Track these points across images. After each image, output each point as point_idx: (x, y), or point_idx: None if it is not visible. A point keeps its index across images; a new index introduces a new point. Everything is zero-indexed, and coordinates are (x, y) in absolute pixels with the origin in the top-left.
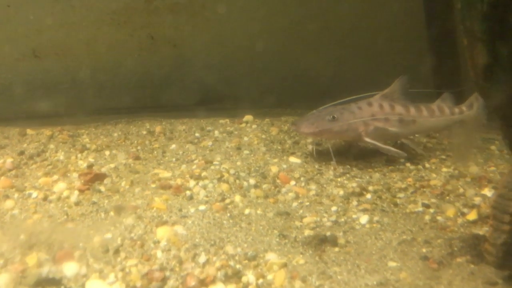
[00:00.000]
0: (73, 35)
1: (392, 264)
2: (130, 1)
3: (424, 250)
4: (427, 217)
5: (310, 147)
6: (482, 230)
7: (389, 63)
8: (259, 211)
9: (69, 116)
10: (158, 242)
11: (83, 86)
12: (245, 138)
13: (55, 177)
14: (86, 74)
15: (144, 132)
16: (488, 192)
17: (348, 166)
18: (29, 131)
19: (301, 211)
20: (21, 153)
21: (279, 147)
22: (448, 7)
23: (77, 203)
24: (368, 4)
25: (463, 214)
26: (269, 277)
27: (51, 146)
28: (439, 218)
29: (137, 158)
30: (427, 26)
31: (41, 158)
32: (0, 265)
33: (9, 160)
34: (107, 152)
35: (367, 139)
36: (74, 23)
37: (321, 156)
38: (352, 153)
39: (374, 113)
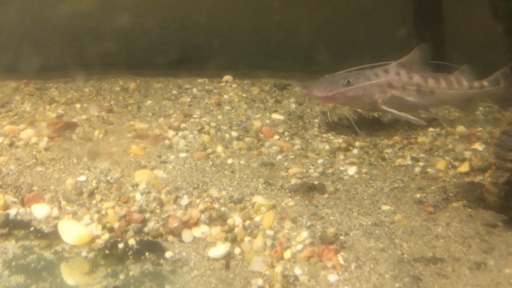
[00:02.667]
0: None
1: (385, 207)
2: None
3: (418, 195)
4: (417, 169)
5: (293, 105)
6: (477, 179)
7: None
8: (242, 162)
9: (40, 69)
10: (137, 185)
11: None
12: (225, 96)
13: (22, 126)
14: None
15: (118, 89)
16: (479, 146)
17: (334, 124)
18: None
19: (286, 163)
20: None
21: (261, 105)
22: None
23: (46, 149)
24: None
25: (454, 167)
26: (257, 218)
27: (17, 97)
28: (429, 170)
29: (110, 111)
30: (414, 13)
31: (6, 109)
32: None
33: None
34: (77, 105)
35: (384, 107)
36: None
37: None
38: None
39: (391, 81)
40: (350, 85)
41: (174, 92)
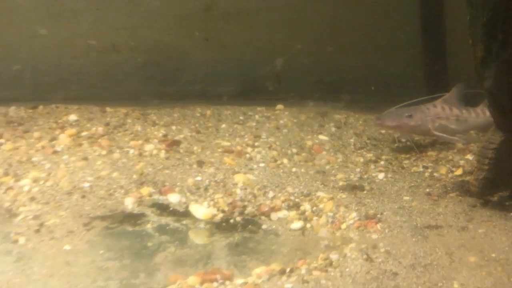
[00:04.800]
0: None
1: (406, 198)
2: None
3: (427, 190)
4: (426, 174)
5: (333, 129)
6: (466, 179)
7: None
8: (302, 170)
9: (137, 100)
10: (236, 184)
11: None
12: (281, 121)
13: (141, 141)
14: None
15: (198, 115)
16: (469, 156)
17: (364, 143)
18: (108, 109)
19: (333, 171)
20: (107, 124)
21: (309, 129)
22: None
23: (166, 158)
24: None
25: (452, 171)
26: (321, 206)
27: (129, 120)
28: (435, 174)
29: (198, 132)
30: (422, 33)
31: (123, 129)
32: (123, 193)
33: (100, 128)
34: (173, 127)
35: (435, 132)
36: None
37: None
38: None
39: (438, 113)
40: (411, 117)
41: (241, 117)
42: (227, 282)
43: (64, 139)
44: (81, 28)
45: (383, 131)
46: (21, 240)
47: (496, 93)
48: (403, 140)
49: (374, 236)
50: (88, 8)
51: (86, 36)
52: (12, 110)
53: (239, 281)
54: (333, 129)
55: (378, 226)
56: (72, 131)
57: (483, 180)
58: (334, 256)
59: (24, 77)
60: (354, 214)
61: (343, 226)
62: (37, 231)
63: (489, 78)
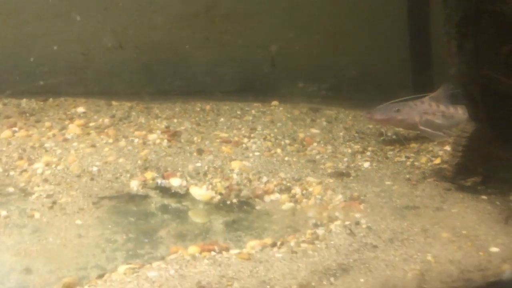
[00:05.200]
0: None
1: (387, 183)
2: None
3: (407, 176)
4: (408, 163)
5: (324, 123)
6: (443, 166)
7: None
8: (294, 159)
9: (141, 94)
10: (233, 170)
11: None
12: (276, 116)
13: (144, 132)
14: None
15: (198, 109)
16: (448, 148)
17: (353, 136)
18: (113, 103)
19: (323, 160)
20: (112, 116)
21: (301, 123)
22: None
23: (168, 147)
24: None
25: (432, 161)
26: (310, 189)
27: (133, 113)
28: (416, 163)
29: (198, 124)
30: (410, 36)
31: (128, 120)
32: (128, 176)
33: (106, 120)
34: (175, 120)
35: (421, 127)
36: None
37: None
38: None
39: (425, 109)
40: (399, 112)
41: (238, 112)
42: (224, 252)
43: (73, 128)
44: (90, 26)
45: (371, 126)
46: (37, 215)
47: (468, 85)
48: (389, 134)
49: (357, 215)
50: (97, 8)
51: (95, 35)
52: (24, 102)
53: (234, 251)
54: (324, 123)
55: (361, 206)
56: (81, 121)
57: (457, 166)
58: (320, 231)
59: (35, 72)
60: (340, 197)
61: (330, 207)
62: (51, 207)
63: (461, 72)
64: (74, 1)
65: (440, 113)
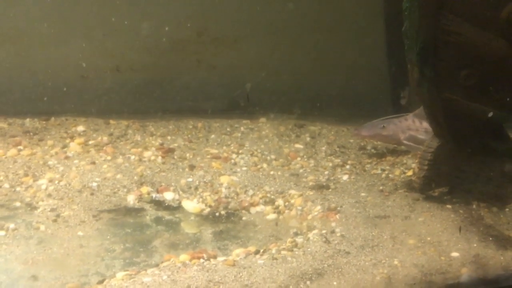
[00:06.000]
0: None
1: (362, 194)
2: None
3: (381, 187)
4: (383, 175)
5: (308, 139)
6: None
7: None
8: (279, 173)
9: (137, 113)
10: (222, 184)
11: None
12: (263, 132)
13: (140, 149)
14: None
15: (190, 127)
16: None
17: (334, 150)
18: (111, 121)
19: (305, 174)
20: (111, 134)
21: (287, 138)
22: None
23: (163, 163)
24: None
25: (405, 173)
26: (292, 201)
27: (130, 131)
28: (390, 175)
29: (190, 141)
30: (388, 57)
31: (125, 138)
32: (125, 191)
33: (105, 138)
34: (169, 137)
35: (405, 142)
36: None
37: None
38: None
39: (409, 125)
40: (384, 128)
41: (228, 129)
42: (212, 259)
43: (74, 146)
44: (89, 50)
45: (351, 140)
46: (42, 227)
47: (430, 107)
48: (368, 147)
49: (333, 224)
50: (96, 34)
51: (94, 58)
52: (28, 122)
53: (221, 258)
54: (308, 139)
55: (337, 216)
56: (81, 140)
57: (423, 178)
58: (299, 239)
59: (38, 92)
60: (318, 207)
61: (309, 217)
62: (54, 220)
63: (424, 95)
64: (74, 27)
65: (423, 129)
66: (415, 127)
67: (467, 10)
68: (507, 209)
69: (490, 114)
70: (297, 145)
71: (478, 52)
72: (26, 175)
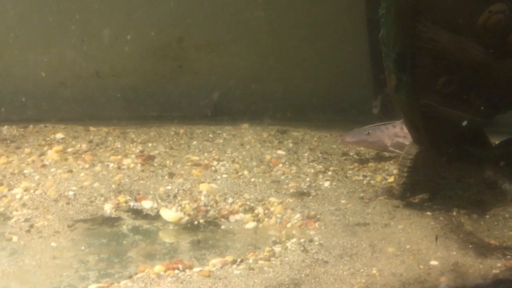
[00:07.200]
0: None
1: (343, 201)
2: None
3: (361, 194)
4: (365, 181)
5: (291, 145)
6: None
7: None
8: (260, 180)
9: (117, 120)
10: (201, 192)
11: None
12: (245, 139)
13: (119, 156)
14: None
15: (172, 133)
16: None
17: (317, 156)
18: (91, 128)
19: (287, 181)
20: (90, 141)
21: (269, 145)
22: None
23: (142, 171)
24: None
25: (386, 179)
26: (272, 209)
27: (110, 138)
28: (371, 182)
29: (171, 148)
30: (371, 65)
31: (104, 145)
32: (102, 200)
33: (84, 145)
34: (149, 144)
35: (391, 148)
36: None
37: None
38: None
39: (396, 132)
40: (370, 135)
41: (210, 135)
42: (187, 270)
43: (51, 154)
44: (68, 56)
45: (334, 146)
46: (14, 238)
47: (409, 113)
48: (351, 153)
49: (312, 232)
50: (75, 39)
51: (72, 64)
52: (5, 129)
53: (196, 269)
54: (291, 145)
55: (316, 224)
56: (59, 147)
57: (403, 185)
58: (277, 248)
59: (16, 99)
60: (298, 215)
61: (288, 225)
62: (28, 231)
63: (401, 102)
64: (52, 33)
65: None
66: (403, 134)
67: (443, 17)
68: (487, 216)
69: (465, 122)
70: (279, 151)
71: (456, 58)
72: (0, 184)
